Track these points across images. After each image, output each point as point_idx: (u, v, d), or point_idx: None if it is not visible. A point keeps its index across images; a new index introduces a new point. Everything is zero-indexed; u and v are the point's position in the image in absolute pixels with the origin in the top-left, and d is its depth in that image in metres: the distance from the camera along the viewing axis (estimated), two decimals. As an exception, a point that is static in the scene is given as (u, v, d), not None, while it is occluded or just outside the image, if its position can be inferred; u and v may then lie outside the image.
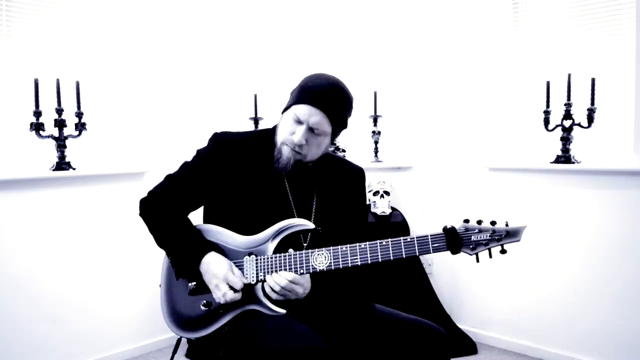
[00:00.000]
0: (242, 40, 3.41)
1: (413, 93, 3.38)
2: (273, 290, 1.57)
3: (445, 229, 1.51)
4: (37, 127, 2.56)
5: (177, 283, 1.71)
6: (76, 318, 2.77)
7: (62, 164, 2.67)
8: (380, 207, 3.16)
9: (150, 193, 1.77)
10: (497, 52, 3.08)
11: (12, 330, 2.57)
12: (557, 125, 2.78)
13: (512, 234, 1.48)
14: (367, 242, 1.55)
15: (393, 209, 3.28)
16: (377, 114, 3.33)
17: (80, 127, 2.69)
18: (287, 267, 1.59)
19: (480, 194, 3.12)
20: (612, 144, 2.73)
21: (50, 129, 2.63)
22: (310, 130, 1.63)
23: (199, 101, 3.26)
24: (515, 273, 2.98)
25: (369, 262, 1.54)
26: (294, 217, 1.70)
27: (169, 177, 1.77)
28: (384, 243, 1.53)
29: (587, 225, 2.73)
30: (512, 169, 3.00)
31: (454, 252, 1.50)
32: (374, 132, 3.37)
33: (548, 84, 2.78)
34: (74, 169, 2.70)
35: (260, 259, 1.62)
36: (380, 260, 1.53)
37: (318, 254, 1.57)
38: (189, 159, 1.78)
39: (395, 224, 3.13)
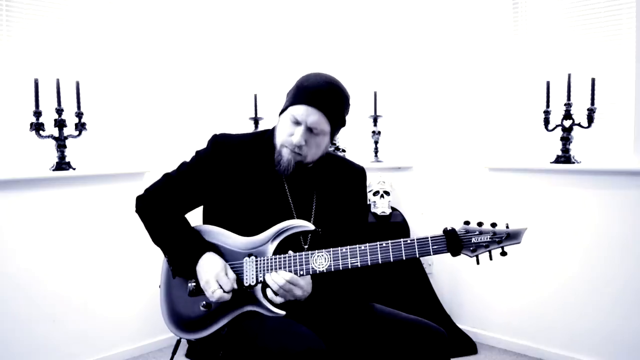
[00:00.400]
0: (242, 40, 3.41)
1: (413, 93, 3.37)
2: (275, 293, 1.57)
3: (445, 230, 1.51)
4: (37, 127, 2.56)
5: (176, 284, 1.71)
6: (76, 318, 2.77)
7: (62, 164, 2.67)
8: (380, 207, 3.16)
9: (147, 191, 1.77)
10: (497, 52, 3.08)
11: (12, 330, 2.57)
12: (557, 125, 2.78)
13: (512, 236, 1.48)
14: (367, 244, 1.55)
15: (393, 209, 3.28)
16: (377, 114, 3.33)
17: (80, 127, 2.69)
18: (287, 269, 1.59)
19: (480, 194, 3.12)
20: (612, 144, 2.73)
21: (50, 129, 2.63)
22: (309, 130, 1.62)
23: (199, 101, 3.26)
24: (515, 273, 2.98)
25: (369, 263, 1.54)
26: (294, 218, 1.70)
27: (166, 176, 1.77)
28: (384, 245, 1.53)
29: (587, 225, 2.73)
30: (512, 169, 3.00)
31: (454, 254, 1.50)
32: (374, 132, 3.37)
33: (548, 84, 2.78)
34: (74, 169, 2.70)
35: (260, 260, 1.62)
36: (380, 262, 1.53)
37: (318, 256, 1.57)
38: (188, 159, 1.78)
39: (395, 224, 3.13)
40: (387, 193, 3.21)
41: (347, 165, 1.85)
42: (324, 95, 1.62)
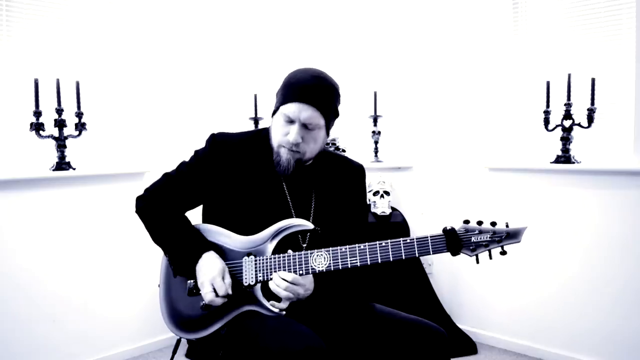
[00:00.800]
0: (242, 40, 3.41)
1: (413, 93, 3.37)
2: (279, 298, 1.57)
3: (445, 230, 1.50)
4: (37, 127, 2.56)
5: (176, 283, 1.71)
6: (76, 318, 2.77)
7: (62, 164, 2.67)
8: (380, 207, 3.16)
9: (146, 190, 1.77)
10: (497, 52, 3.08)
11: (12, 330, 2.57)
12: (557, 125, 2.78)
13: (512, 235, 1.48)
14: (367, 243, 1.55)
15: (393, 209, 3.28)
16: (377, 114, 3.33)
17: (80, 127, 2.69)
18: (286, 268, 1.59)
19: (480, 194, 3.12)
20: (612, 144, 2.73)
21: (50, 129, 2.63)
22: (304, 126, 1.62)
23: (199, 101, 3.26)
24: (515, 273, 2.98)
25: (368, 263, 1.54)
26: (292, 217, 1.70)
27: (165, 176, 1.77)
28: (383, 244, 1.53)
29: (587, 225, 2.73)
30: (512, 169, 3.00)
31: (453, 254, 1.50)
32: (374, 132, 3.37)
33: (548, 84, 2.78)
34: (74, 169, 2.70)
35: (259, 260, 1.62)
36: (379, 261, 1.53)
37: (317, 255, 1.57)
38: (187, 159, 1.78)
39: (395, 224, 3.13)
40: (387, 193, 3.21)
41: (345, 163, 1.84)
42: (313, 90, 1.61)
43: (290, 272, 1.58)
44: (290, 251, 1.60)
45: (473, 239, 1.49)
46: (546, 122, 2.80)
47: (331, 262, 1.56)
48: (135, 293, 2.99)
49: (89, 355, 2.82)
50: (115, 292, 2.92)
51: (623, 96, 2.69)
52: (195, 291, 1.64)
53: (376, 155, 3.41)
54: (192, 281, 1.65)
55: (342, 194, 1.78)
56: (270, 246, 1.63)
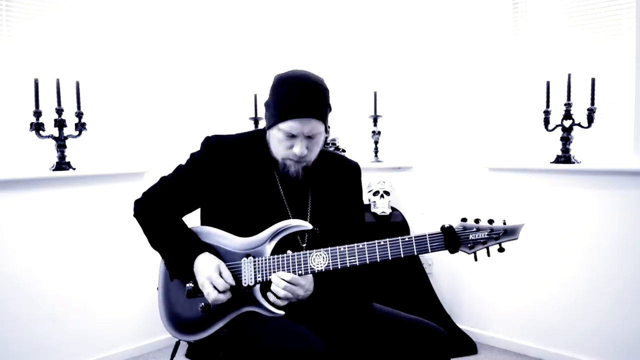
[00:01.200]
0: (242, 40, 3.41)
1: (413, 93, 3.37)
2: (278, 297, 1.56)
3: (443, 228, 1.51)
4: (37, 127, 2.56)
5: (174, 286, 1.71)
6: (76, 318, 2.78)
7: (62, 164, 2.67)
8: (380, 207, 3.15)
9: (144, 194, 1.78)
10: (497, 52, 3.08)
11: (12, 330, 2.57)
12: (557, 125, 2.78)
13: (510, 232, 1.48)
14: (366, 242, 1.55)
15: (393, 209, 3.28)
16: (377, 114, 3.33)
17: (80, 127, 2.69)
18: (285, 268, 1.59)
19: (480, 194, 3.12)
20: (612, 144, 2.73)
21: (50, 129, 2.63)
22: (307, 137, 1.61)
23: (199, 101, 3.27)
24: (515, 273, 2.98)
25: (367, 262, 1.54)
26: (289, 217, 1.70)
27: (163, 179, 1.77)
28: (382, 243, 1.53)
29: (587, 225, 2.73)
30: (512, 169, 3.00)
31: (452, 251, 1.50)
32: (374, 132, 3.37)
33: (548, 84, 2.78)
34: (74, 169, 2.71)
35: (258, 261, 1.62)
36: (378, 260, 1.53)
37: (316, 255, 1.57)
38: (184, 162, 1.78)
39: (395, 224, 3.13)
40: (387, 193, 3.21)
41: (341, 162, 1.84)
42: (310, 101, 1.58)
43: (290, 272, 1.58)
44: (289, 251, 1.60)
45: (471, 236, 1.50)
46: (546, 122, 2.80)
47: (330, 261, 1.56)
48: (135, 293, 2.99)
49: (89, 355, 2.82)
50: (115, 292, 2.92)
51: (623, 96, 2.69)
52: (194, 293, 1.64)
53: (376, 155, 3.41)
54: (190, 284, 1.65)
55: (339, 193, 1.78)
56: (269, 247, 1.63)
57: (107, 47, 2.97)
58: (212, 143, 1.74)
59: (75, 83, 2.66)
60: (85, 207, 2.81)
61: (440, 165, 3.30)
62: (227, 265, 1.64)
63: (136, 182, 2.97)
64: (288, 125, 1.58)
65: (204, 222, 1.79)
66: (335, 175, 1.79)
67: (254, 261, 1.62)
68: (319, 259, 1.57)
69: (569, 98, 2.72)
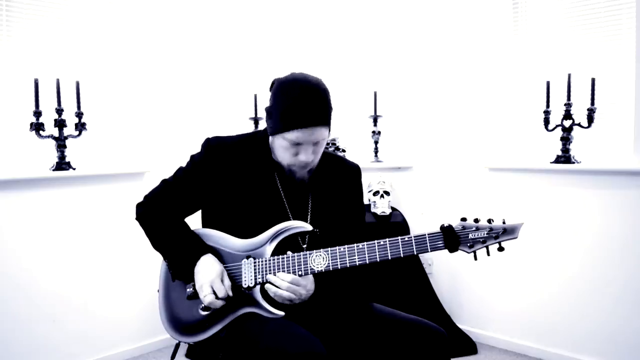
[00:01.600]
0: (242, 40, 3.41)
1: (413, 93, 3.37)
2: (280, 297, 1.56)
3: (442, 227, 1.51)
4: (37, 127, 2.56)
5: (175, 288, 1.71)
6: (76, 318, 2.78)
7: (62, 164, 2.67)
8: (380, 207, 3.15)
9: (145, 197, 1.78)
10: (497, 52, 3.08)
11: (12, 330, 2.57)
12: (557, 125, 2.78)
13: (509, 232, 1.48)
14: (365, 242, 1.55)
15: (393, 209, 3.28)
16: (377, 114, 3.33)
17: (80, 127, 2.69)
18: (286, 269, 1.59)
19: (480, 194, 3.12)
20: (612, 144, 2.73)
21: (50, 129, 2.63)
22: (313, 143, 1.61)
23: (199, 101, 3.27)
24: (515, 273, 2.98)
25: (367, 262, 1.54)
26: (289, 219, 1.69)
27: (164, 182, 1.77)
28: (382, 243, 1.53)
29: (588, 225, 2.73)
30: (512, 169, 3.00)
31: (451, 251, 1.50)
32: (374, 132, 3.37)
33: (548, 84, 2.78)
34: (74, 169, 2.71)
35: (259, 262, 1.62)
36: (378, 260, 1.53)
37: (316, 255, 1.57)
38: (184, 164, 1.78)
39: (395, 224, 3.13)
40: (387, 193, 3.21)
41: (341, 164, 1.84)
42: (315, 110, 1.56)
43: (290, 273, 1.58)
44: (289, 252, 1.60)
45: (470, 235, 1.50)
46: (546, 122, 2.79)
47: (330, 262, 1.56)
48: (135, 293, 2.99)
49: (89, 355, 2.82)
50: (115, 293, 2.92)
51: (623, 96, 2.69)
52: (195, 295, 1.64)
53: (376, 155, 3.41)
54: (192, 284, 1.65)
55: (339, 194, 1.78)
56: (269, 248, 1.63)
57: (107, 47, 2.97)
58: (213, 145, 1.73)
59: (75, 83, 2.66)
60: (85, 207, 2.81)
61: (440, 165, 3.30)
62: (227, 267, 1.65)
63: (136, 182, 2.97)
64: (294, 135, 1.57)
65: (204, 223, 1.79)
66: (336, 176, 1.79)
67: (254, 262, 1.62)
68: (319, 260, 1.57)
69: (569, 98, 2.72)
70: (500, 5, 3.05)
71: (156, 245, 1.73)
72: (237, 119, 3.34)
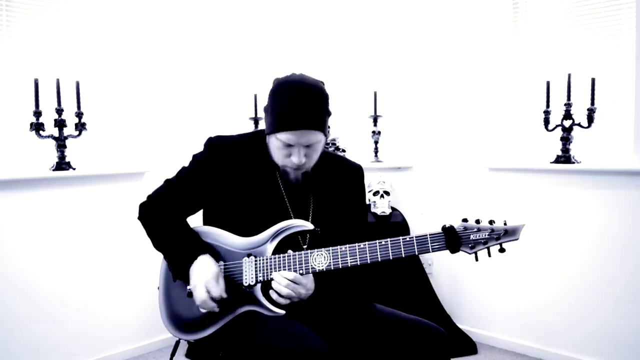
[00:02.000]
0: (242, 40, 3.41)
1: (413, 93, 3.37)
2: (280, 295, 1.56)
3: (444, 228, 1.51)
4: (37, 127, 2.56)
5: (175, 285, 1.71)
6: (76, 318, 2.77)
7: (62, 164, 2.67)
8: (380, 207, 3.16)
9: (148, 197, 1.78)
10: (497, 52, 3.08)
11: (12, 330, 2.57)
12: (557, 125, 2.78)
13: (510, 233, 1.49)
14: (367, 242, 1.55)
15: (393, 209, 3.28)
16: (377, 114, 3.33)
17: (80, 127, 2.69)
18: (286, 268, 1.59)
19: (480, 194, 3.12)
20: (612, 144, 2.73)
21: (50, 129, 2.63)
22: (306, 146, 1.61)
23: (199, 101, 3.27)
24: (515, 273, 2.98)
25: (368, 262, 1.54)
26: (291, 218, 1.70)
27: (167, 182, 1.78)
28: (383, 243, 1.53)
29: (588, 225, 2.73)
30: (512, 169, 3.00)
31: (452, 251, 1.50)
32: (374, 132, 3.37)
33: (548, 84, 2.78)
34: (74, 169, 2.71)
35: (259, 260, 1.62)
36: (379, 260, 1.53)
37: (317, 255, 1.58)
38: (186, 163, 1.78)
39: (395, 224, 3.13)
40: (387, 193, 3.21)
41: (344, 164, 1.84)
42: (306, 113, 1.55)
43: (291, 271, 1.58)
44: (290, 251, 1.60)
45: (472, 236, 1.50)
46: (546, 122, 2.80)
47: (331, 261, 1.56)
48: (135, 293, 2.99)
49: (89, 355, 2.82)
50: (115, 292, 2.92)
51: (623, 96, 2.69)
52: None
53: (376, 155, 3.41)
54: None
55: (341, 195, 1.78)
56: (270, 247, 1.63)
57: (107, 47, 2.96)
58: (215, 144, 1.74)
59: (75, 83, 2.66)
60: (85, 207, 2.81)
61: (440, 165, 3.30)
62: (227, 265, 1.65)
63: (136, 182, 2.97)
64: (285, 137, 1.57)
65: (206, 222, 1.79)
66: (338, 177, 1.79)
67: (255, 261, 1.62)
68: (320, 259, 1.57)
69: (569, 98, 2.72)
70: (500, 5, 3.05)
71: (157, 244, 1.73)
72: (237, 119, 3.34)
